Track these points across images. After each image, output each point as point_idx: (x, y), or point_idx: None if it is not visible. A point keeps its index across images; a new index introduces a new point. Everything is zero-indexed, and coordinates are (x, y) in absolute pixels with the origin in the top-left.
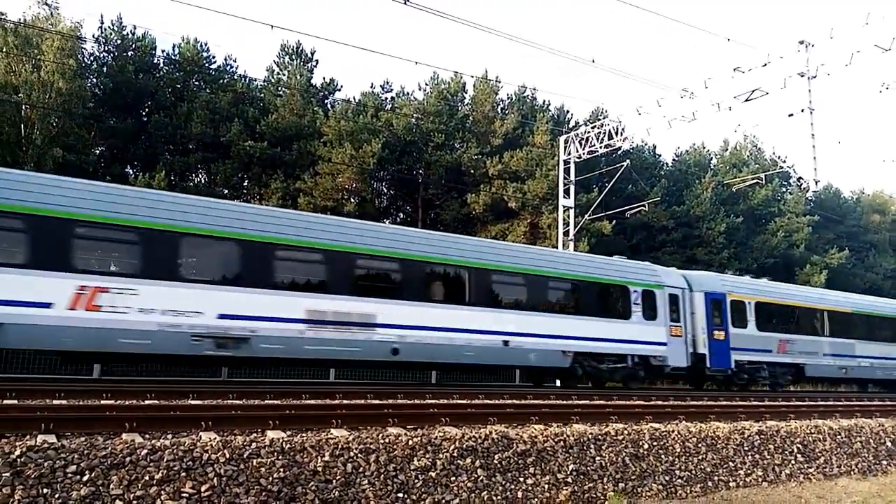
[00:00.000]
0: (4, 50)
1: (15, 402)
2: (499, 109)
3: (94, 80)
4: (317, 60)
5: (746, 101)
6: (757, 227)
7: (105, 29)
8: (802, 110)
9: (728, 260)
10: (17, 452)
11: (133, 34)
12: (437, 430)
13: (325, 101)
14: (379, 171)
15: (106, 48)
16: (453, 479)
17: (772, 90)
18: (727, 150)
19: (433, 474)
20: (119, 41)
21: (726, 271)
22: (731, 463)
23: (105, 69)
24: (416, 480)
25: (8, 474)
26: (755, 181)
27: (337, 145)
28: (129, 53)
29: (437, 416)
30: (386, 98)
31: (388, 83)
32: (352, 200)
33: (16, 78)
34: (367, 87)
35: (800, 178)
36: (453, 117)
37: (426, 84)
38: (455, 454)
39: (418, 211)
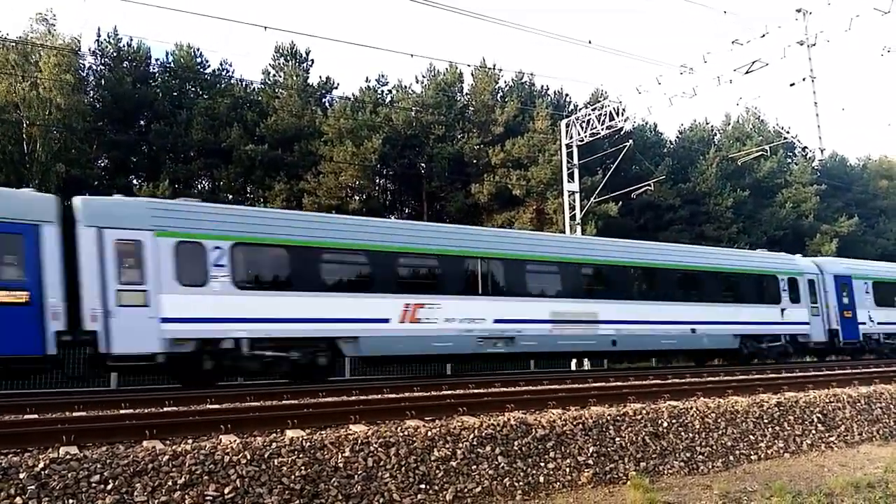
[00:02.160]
0: (4, 69)
1: (36, 416)
2: (498, 97)
3: (93, 93)
4: (312, 60)
5: (747, 73)
6: (764, 200)
7: (101, 42)
8: (804, 79)
9: (737, 234)
10: (41, 465)
11: (129, 45)
12: (455, 420)
13: (323, 100)
14: (381, 167)
15: (103, 61)
16: (474, 467)
17: (772, 61)
18: (730, 124)
19: (454, 464)
20: (115, 53)
21: (735, 245)
22: (751, 436)
23: (103, 82)
24: (438, 471)
25: (33, 487)
26: (760, 153)
27: (338, 143)
28: (126, 64)
29: (455, 407)
30: (384, 93)
31: (384, 77)
32: (356, 198)
33: (16, 96)
34: (364, 84)
35: (805, 147)
36: (452, 108)
37: (423, 76)
38: (475, 443)
39: (423, 204)
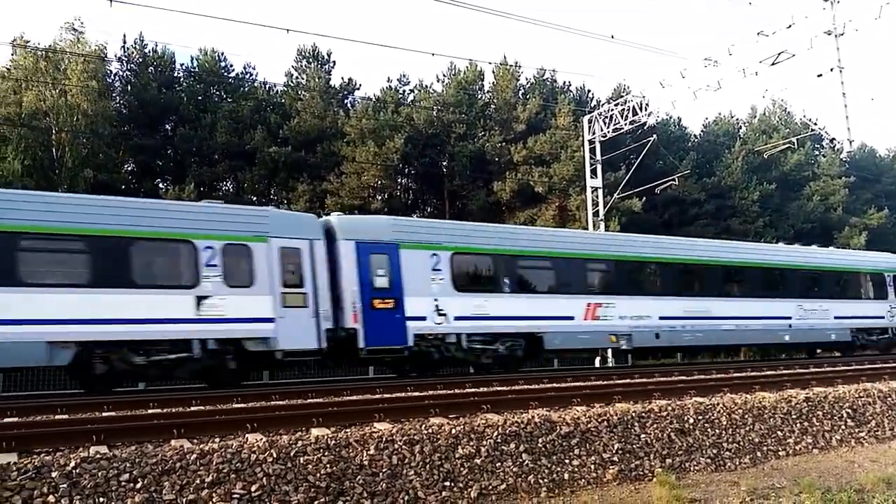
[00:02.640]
0: (33, 77)
1: (66, 416)
2: (520, 95)
3: (119, 99)
4: (333, 62)
5: (773, 64)
6: (792, 193)
7: (127, 48)
8: (832, 69)
9: (764, 228)
10: (73, 464)
11: (154, 51)
12: (479, 417)
13: (345, 101)
14: (403, 167)
15: (129, 67)
16: (498, 464)
17: (798, 51)
18: (755, 116)
19: (478, 461)
20: (141, 59)
21: (763, 240)
22: (779, 432)
23: (129, 87)
24: (462, 468)
25: (65, 485)
26: (787, 146)
27: (360, 144)
28: (151, 70)
29: (478, 404)
30: (405, 92)
31: (405, 77)
32: (378, 198)
33: (45, 103)
34: (386, 84)
35: (833, 139)
36: (474, 106)
37: (444, 75)
38: (499, 440)
39: (445, 203)
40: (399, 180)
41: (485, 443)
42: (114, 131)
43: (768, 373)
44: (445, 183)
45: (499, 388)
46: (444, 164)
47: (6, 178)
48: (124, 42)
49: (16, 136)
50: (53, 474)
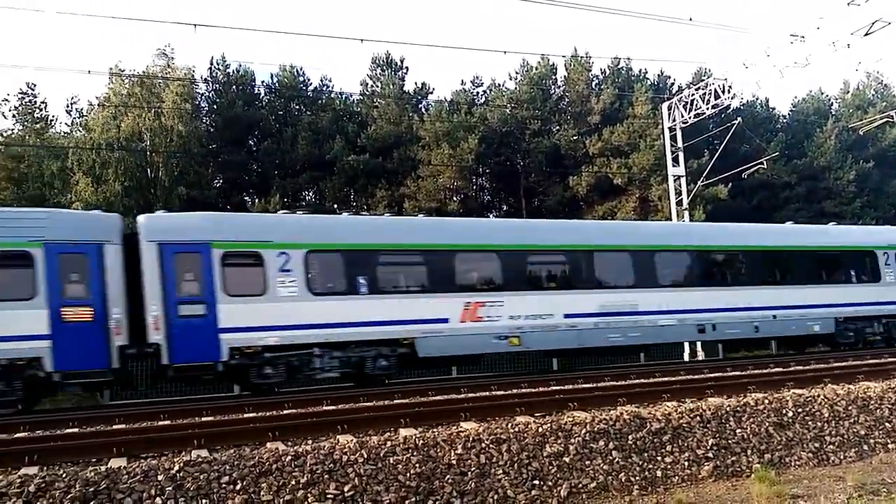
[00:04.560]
0: (130, 102)
1: (168, 422)
2: (593, 86)
3: (206, 118)
4: (407, 67)
5: (866, 35)
6: (891, 171)
7: (213, 69)
8: None
9: (861, 209)
10: (176, 468)
11: (237, 70)
12: (565, 415)
13: (419, 106)
14: (478, 167)
15: (214, 87)
16: (587, 462)
17: (895, 19)
18: (848, 92)
19: (567, 459)
20: (225, 79)
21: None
22: (887, 424)
23: (215, 107)
24: (551, 467)
25: (171, 488)
26: (884, 120)
27: (435, 147)
28: (234, 89)
29: (564, 402)
30: (477, 93)
31: (478, 78)
32: (454, 199)
33: (142, 126)
34: (459, 86)
35: None
36: (547, 101)
37: (516, 73)
38: (587, 438)
39: (521, 201)
40: (474, 180)
41: (573, 440)
42: (203, 150)
43: (872, 361)
44: (521, 180)
45: (584, 386)
46: (519, 161)
47: (109, 198)
48: (210, 64)
49: (115, 160)
50: (159, 477)
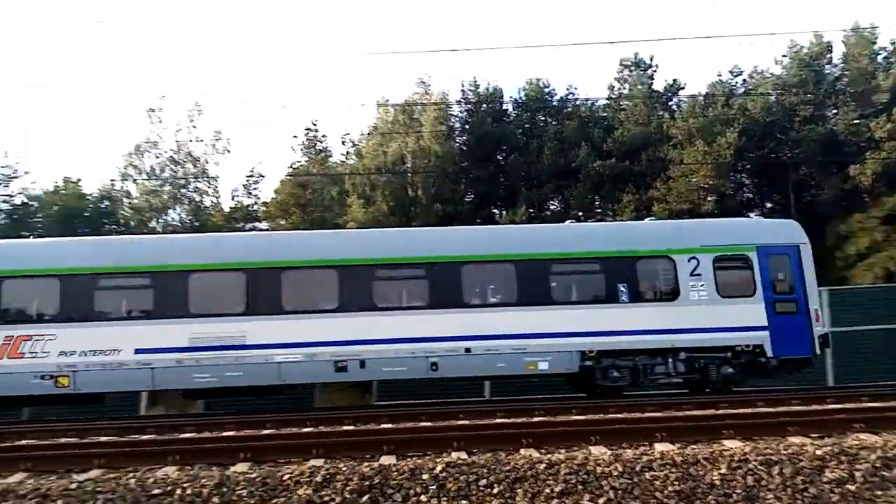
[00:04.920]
0: (394, 129)
1: (429, 423)
2: (879, 60)
3: (459, 138)
4: (656, 66)
5: None
6: None
7: (464, 91)
8: None
9: None
10: (439, 468)
11: (487, 90)
12: (849, 437)
13: (670, 104)
14: (737, 162)
15: (466, 108)
16: (879, 493)
17: None
18: None
19: (852, 487)
20: (475, 99)
21: None
22: None
23: (467, 126)
24: (832, 494)
25: (434, 487)
26: None
27: (688, 145)
28: (484, 107)
29: (848, 422)
30: (736, 83)
31: (737, 67)
32: (709, 199)
33: (405, 149)
34: (716, 77)
35: None
36: (821, 84)
37: (783, 56)
38: (878, 465)
39: (789, 196)
40: (732, 177)
41: (859, 467)
42: (456, 168)
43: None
44: (790, 174)
45: (872, 405)
46: (787, 153)
47: (377, 217)
48: (462, 87)
49: (383, 183)
50: (424, 476)
